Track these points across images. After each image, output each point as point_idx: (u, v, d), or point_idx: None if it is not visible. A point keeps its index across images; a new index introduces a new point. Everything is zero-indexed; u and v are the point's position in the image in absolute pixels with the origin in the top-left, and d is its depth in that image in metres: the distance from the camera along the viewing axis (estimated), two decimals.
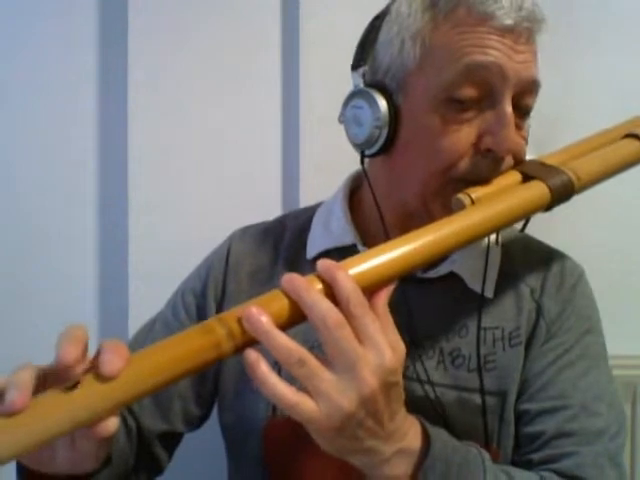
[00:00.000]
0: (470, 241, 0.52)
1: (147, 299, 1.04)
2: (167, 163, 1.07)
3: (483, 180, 0.58)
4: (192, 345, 0.42)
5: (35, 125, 1.11)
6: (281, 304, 0.44)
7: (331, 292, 0.44)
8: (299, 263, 0.71)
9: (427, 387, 0.64)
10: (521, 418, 0.64)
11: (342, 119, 0.65)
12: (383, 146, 0.61)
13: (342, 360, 0.43)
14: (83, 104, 1.12)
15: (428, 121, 0.59)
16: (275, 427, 0.66)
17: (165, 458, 0.73)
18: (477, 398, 0.64)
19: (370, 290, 0.46)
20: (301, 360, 0.42)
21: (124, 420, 0.68)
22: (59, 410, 0.38)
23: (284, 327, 0.44)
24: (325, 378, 0.42)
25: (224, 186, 1.07)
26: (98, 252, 1.13)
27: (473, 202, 0.56)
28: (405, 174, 0.62)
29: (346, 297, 0.43)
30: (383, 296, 0.46)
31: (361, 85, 0.63)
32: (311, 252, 0.71)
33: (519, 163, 0.60)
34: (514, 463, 0.63)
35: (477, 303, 0.65)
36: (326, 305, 0.43)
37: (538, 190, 0.57)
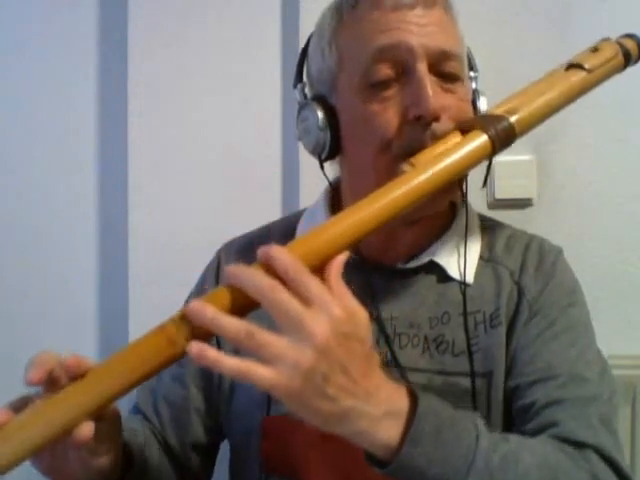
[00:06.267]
0: (420, 199, 0.55)
1: (147, 299, 1.04)
2: (167, 163, 1.07)
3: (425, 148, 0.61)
4: (148, 347, 0.46)
5: (35, 125, 1.12)
6: (225, 294, 0.47)
7: (274, 272, 0.46)
8: None
9: (414, 374, 0.66)
10: (513, 394, 0.65)
11: (298, 137, 0.69)
12: (332, 146, 0.65)
13: (287, 321, 0.44)
14: (83, 104, 1.12)
15: (357, 108, 0.63)
16: (271, 425, 0.68)
17: (204, 467, 0.75)
18: (463, 381, 0.66)
19: (324, 263, 0.48)
20: (249, 332, 0.44)
21: (154, 435, 0.71)
22: (36, 421, 0.44)
23: (235, 314, 0.46)
24: (275, 342, 0.44)
25: (224, 186, 1.07)
26: (98, 253, 1.13)
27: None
28: (358, 165, 0.66)
29: (284, 268, 0.45)
30: (335, 265, 0.48)
31: (301, 99, 0.69)
32: None
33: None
34: None
35: (458, 290, 0.68)
36: (259, 275, 0.45)
37: (477, 139, 0.59)
